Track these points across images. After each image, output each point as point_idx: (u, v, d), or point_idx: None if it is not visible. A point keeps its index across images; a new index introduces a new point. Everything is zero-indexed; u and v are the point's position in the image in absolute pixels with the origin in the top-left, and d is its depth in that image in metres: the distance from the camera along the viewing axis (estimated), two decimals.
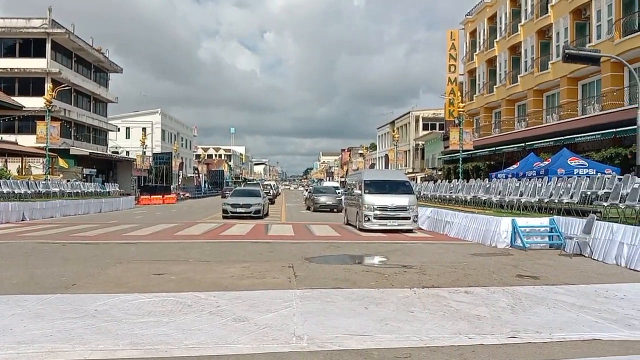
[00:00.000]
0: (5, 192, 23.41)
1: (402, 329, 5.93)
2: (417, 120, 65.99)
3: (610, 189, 14.09)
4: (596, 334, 5.87)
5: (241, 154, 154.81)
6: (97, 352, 5.04)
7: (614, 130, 23.49)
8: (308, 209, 34.02)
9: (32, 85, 43.24)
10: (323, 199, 32.30)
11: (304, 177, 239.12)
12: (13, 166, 38.01)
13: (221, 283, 8.56)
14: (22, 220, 21.63)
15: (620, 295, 7.95)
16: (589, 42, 28.51)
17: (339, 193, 33.85)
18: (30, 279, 8.73)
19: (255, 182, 73.19)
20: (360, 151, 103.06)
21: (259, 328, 5.86)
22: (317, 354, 5.07)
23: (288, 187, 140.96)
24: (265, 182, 73.87)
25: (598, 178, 15.73)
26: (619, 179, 14.48)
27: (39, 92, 40.24)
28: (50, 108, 31.07)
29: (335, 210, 30.89)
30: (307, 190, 42.50)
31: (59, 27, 44.29)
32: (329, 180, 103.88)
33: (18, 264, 10.27)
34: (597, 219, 12.40)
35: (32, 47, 43.75)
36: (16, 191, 24.36)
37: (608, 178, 15.41)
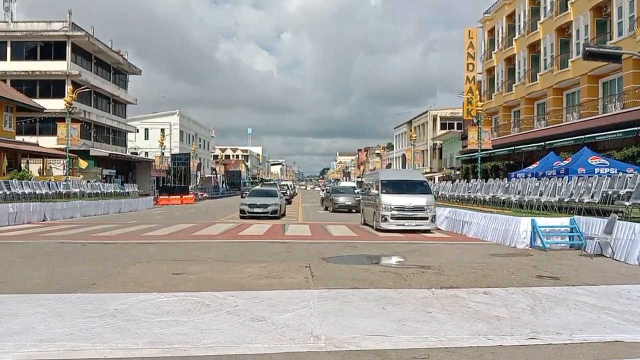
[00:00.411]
0: (27, 192, 23.79)
1: (420, 330, 5.89)
2: (434, 120, 65.59)
3: (632, 188, 13.82)
4: (618, 335, 5.77)
5: (258, 155, 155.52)
6: (117, 350, 5.09)
7: (636, 128, 23.09)
8: (326, 209, 33.82)
9: (52, 87, 43.93)
10: (342, 199, 31.97)
11: (321, 177, 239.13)
12: (34, 167, 38.65)
13: (239, 283, 8.60)
14: (44, 220, 21.97)
15: None
16: (610, 40, 28.06)
17: (357, 193, 33.69)
18: (51, 279, 8.86)
19: (272, 182, 73.35)
20: (377, 151, 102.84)
21: (277, 328, 5.87)
22: (335, 354, 5.07)
23: (304, 187, 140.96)
24: (282, 183, 74.08)
25: (619, 177, 15.45)
26: None
27: (60, 94, 40.90)
28: (70, 110, 31.54)
29: (353, 210, 30.68)
30: (323, 190, 42.06)
31: (78, 30, 44.95)
32: (346, 180, 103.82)
33: (39, 264, 10.44)
34: (618, 219, 12.19)
35: (52, 50, 44.46)
36: (37, 192, 24.74)
37: (630, 177, 15.12)
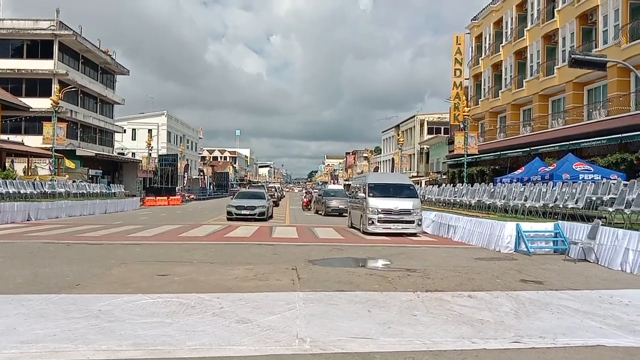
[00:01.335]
0: (11, 192, 23.49)
1: (405, 333, 5.92)
2: (422, 124, 65.92)
3: (616, 194, 14.01)
4: (600, 339, 5.85)
5: (246, 157, 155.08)
6: (100, 352, 5.06)
7: (620, 135, 23.41)
8: (317, 212, 32.94)
9: (39, 86, 43.48)
10: (335, 203, 30.85)
11: (309, 179, 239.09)
12: (19, 166, 38.17)
13: (225, 285, 8.57)
14: (28, 220, 21.73)
15: (625, 301, 7.91)
16: (596, 47, 28.43)
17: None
18: (34, 279, 8.76)
19: (259, 184, 73.18)
20: (364, 154, 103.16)
21: (262, 330, 5.87)
22: (320, 357, 5.07)
23: (289, 190, 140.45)
24: (270, 185, 73.97)
25: (603, 183, 15.65)
26: (625, 185, 14.39)
27: (46, 93, 40.49)
28: (56, 109, 31.26)
29: (344, 214, 30.50)
30: (307, 192, 41.52)
31: (66, 29, 44.56)
32: (334, 183, 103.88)
33: (23, 264, 10.32)
34: (602, 225, 12.34)
35: (39, 48, 44.03)
36: (22, 191, 24.45)
37: (613, 183, 15.33)
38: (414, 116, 68.18)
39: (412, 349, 5.39)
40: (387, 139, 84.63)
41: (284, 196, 66.20)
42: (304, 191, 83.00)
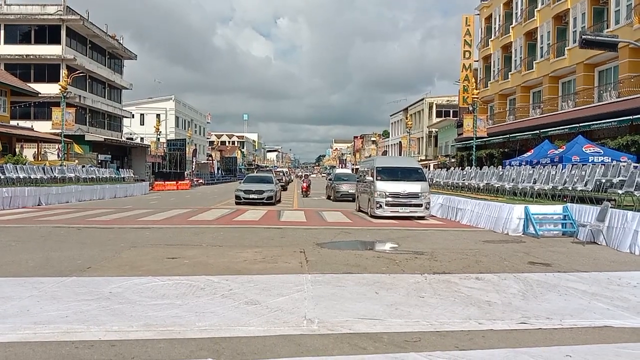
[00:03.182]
0: (21, 177, 23.72)
1: (412, 314, 5.97)
2: (430, 107, 65.50)
3: (626, 176, 13.89)
4: (608, 321, 5.86)
5: (254, 141, 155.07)
6: (112, 332, 5.14)
7: (631, 117, 23.16)
8: (328, 197, 31.61)
9: (47, 71, 43.59)
10: (345, 187, 29.44)
11: (317, 164, 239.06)
12: (29, 152, 38.48)
13: (234, 267, 8.65)
14: (39, 205, 21.96)
15: (634, 283, 7.91)
16: (607, 28, 28.01)
17: None
18: (46, 262, 8.89)
19: (267, 168, 73.31)
20: (373, 138, 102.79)
21: (271, 311, 5.93)
22: (328, 337, 5.13)
23: (300, 175, 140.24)
24: (278, 169, 74.07)
25: (613, 166, 15.51)
26: (635, 167, 14.26)
27: (54, 78, 40.59)
28: (65, 94, 31.38)
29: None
30: (305, 176, 40.44)
31: (73, 14, 44.52)
32: (342, 167, 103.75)
33: (35, 248, 10.46)
34: (611, 207, 12.29)
35: (47, 33, 44.05)
36: (32, 176, 24.67)
37: (623, 166, 15.19)
38: (422, 99, 67.73)
39: (419, 329, 5.43)
40: (395, 122, 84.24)
41: (292, 180, 66.27)
42: (313, 175, 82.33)
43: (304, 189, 34.11)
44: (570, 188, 15.62)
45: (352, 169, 70.75)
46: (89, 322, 5.44)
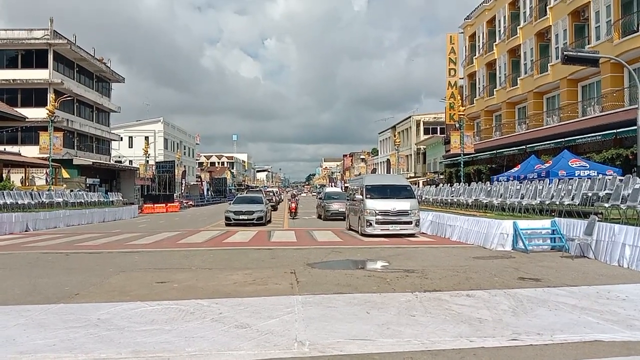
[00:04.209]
0: (8, 202, 23.49)
1: (403, 333, 5.95)
2: (418, 125, 66.04)
3: (612, 190, 14.08)
4: (598, 335, 5.88)
5: (244, 161, 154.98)
6: None
7: (615, 131, 23.48)
8: (319, 217, 31.42)
9: (34, 96, 43.47)
10: (336, 206, 29.11)
11: (307, 183, 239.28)
12: (16, 177, 38.13)
13: (224, 290, 8.59)
14: (26, 230, 21.71)
15: (622, 296, 7.96)
16: (588, 44, 28.54)
17: None
18: (33, 289, 8.77)
19: (257, 189, 73.18)
20: (362, 156, 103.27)
21: (261, 334, 5.89)
22: (319, 359, 5.10)
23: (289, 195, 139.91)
24: (268, 189, 73.96)
25: (599, 179, 15.72)
26: (620, 180, 14.46)
27: (42, 102, 40.52)
28: (52, 118, 31.25)
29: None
30: (292, 196, 38.93)
31: (60, 38, 44.58)
32: (332, 185, 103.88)
33: (21, 274, 10.32)
34: (598, 220, 12.40)
35: (34, 58, 44.02)
36: (19, 202, 24.44)
37: (609, 179, 15.39)
38: (410, 117, 68.30)
39: (410, 349, 5.42)
40: (383, 140, 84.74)
41: (282, 200, 66.19)
42: (303, 194, 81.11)
43: (292, 210, 31.63)
44: (557, 202, 15.76)
45: (342, 188, 70.82)
46: (77, 350, 5.37)
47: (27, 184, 37.30)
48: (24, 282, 9.48)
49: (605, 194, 14.40)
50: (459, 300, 7.65)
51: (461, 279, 9.54)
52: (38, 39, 43.61)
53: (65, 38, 45.27)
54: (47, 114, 30.90)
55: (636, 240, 10.82)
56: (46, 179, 36.71)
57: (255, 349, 5.38)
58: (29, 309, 7.16)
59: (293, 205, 32.00)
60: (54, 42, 43.74)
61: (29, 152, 38.74)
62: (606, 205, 13.40)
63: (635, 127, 16.38)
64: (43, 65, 43.72)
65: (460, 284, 9.09)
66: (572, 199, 15.27)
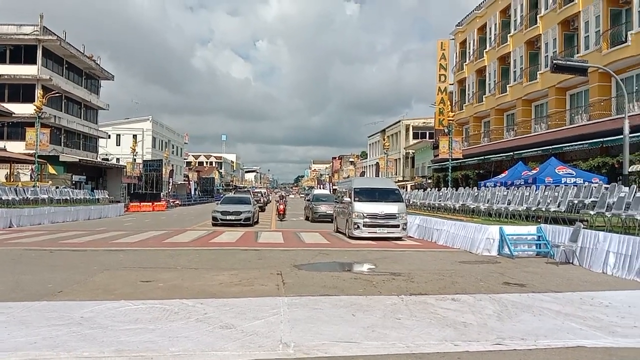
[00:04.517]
0: None
1: (388, 336, 5.95)
2: (407, 129, 66.31)
3: (597, 197, 14.22)
4: (581, 341, 5.93)
5: (232, 162, 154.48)
6: (82, 359, 5.02)
7: (602, 139, 23.74)
8: (307, 218, 31.34)
9: (22, 91, 42.96)
10: (324, 208, 29.09)
11: (295, 184, 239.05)
12: (1, 173, 37.72)
13: (209, 290, 8.54)
14: (10, 227, 21.44)
15: (606, 303, 8.02)
16: (577, 53, 28.84)
17: None
18: (16, 286, 8.66)
19: (245, 189, 72.90)
20: (351, 159, 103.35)
21: (246, 335, 5.86)
22: None
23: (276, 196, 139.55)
24: (256, 190, 73.73)
25: (585, 187, 15.87)
26: (606, 188, 14.60)
27: (29, 98, 40.00)
28: (40, 114, 30.95)
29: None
30: (280, 197, 38.34)
31: (50, 34, 44.14)
32: (320, 188, 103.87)
33: (4, 271, 10.19)
34: (583, 228, 12.52)
35: (22, 53, 43.52)
36: (4, 198, 24.15)
37: (595, 187, 15.55)
38: (399, 121, 68.56)
39: (395, 352, 5.42)
40: (373, 143, 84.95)
41: (270, 201, 66.06)
42: (291, 196, 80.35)
43: (280, 212, 30.98)
44: (543, 209, 15.88)
45: (331, 190, 70.89)
46: (59, 348, 5.30)
47: (12, 179, 36.88)
48: (6, 278, 9.36)
49: (591, 201, 14.54)
50: (445, 304, 7.67)
51: (447, 283, 9.58)
52: (27, 34, 43.16)
53: (55, 34, 44.84)
54: (35, 110, 30.59)
55: (620, 247, 10.93)
56: (31, 175, 36.30)
57: (239, 350, 5.35)
58: (10, 306, 7.07)
59: (281, 207, 31.42)
60: (43, 38, 43.31)
61: (15, 147, 38.30)
62: (591, 212, 13.53)
63: (621, 137, 16.57)
64: (32, 61, 43.26)
65: (446, 288, 9.12)
66: (558, 206, 15.40)
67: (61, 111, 47.13)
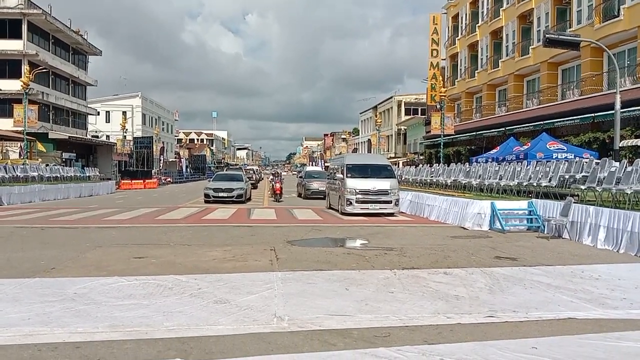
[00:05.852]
0: None
1: (381, 309, 6.00)
2: (399, 105, 66.07)
3: (588, 172, 14.29)
4: (571, 313, 6.01)
5: (224, 139, 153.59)
6: (76, 334, 5.02)
7: (593, 115, 23.80)
8: (299, 195, 31.02)
9: (8, 67, 42.18)
10: (316, 185, 28.80)
11: (287, 162, 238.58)
12: None
13: (202, 266, 8.55)
14: (0, 205, 21.30)
15: (596, 275, 8.12)
16: (570, 27, 28.72)
17: None
18: (7, 263, 8.62)
19: (237, 166, 72.75)
20: (343, 136, 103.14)
21: (240, 309, 5.89)
22: (298, 334, 5.12)
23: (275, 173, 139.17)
24: (248, 167, 73.52)
25: (576, 162, 15.94)
26: (597, 163, 14.69)
27: (16, 74, 39.34)
28: (27, 91, 30.51)
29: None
30: (274, 174, 37.80)
31: (35, 8, 43.22)
32: (312, 165, 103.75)
33: None
34: (574, 202, 12.61)
35: (7, 28, 42.59)
36: None
37: (586, 162, 15.63)
38: (391, 97, 68.26)
39: (388, 324, 5.46)
40: (365, 120, 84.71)
41: (262, 178, 65.98)
42: (284, 173, 79.80)
43: (277, 191, 27.05)
44: (535, 184, 15.96)
45: (323, 167, 70.86)
46: (52, 324, 5.30)
47: (1, 157, 36.48)
48: None
49: (582, 176, 14.61)
50: (437, 278, 7.73)
51: (439, 258, 9.64)
52: (11, 8, 42.18)
53: (40, 8, 43.90)
54: (22, 86, 30.14)
55: (610, 222, 11.03)
56: (20, 153, 35.93)
57: (234, 324, 5.37)
58: (2, 283, 7.04)
59: (278, 185, 27.40)
60: (28, 12, 42.39)
61: (3, 125, 37.78)
62: (582, 187, 13.60)
63: (612, 112, 16.61)
64: (17, 35, 42.38)
65: (438, 262, 9.19)
66: (549, 181, 15.47)
67: (49, 87, 46.42)
